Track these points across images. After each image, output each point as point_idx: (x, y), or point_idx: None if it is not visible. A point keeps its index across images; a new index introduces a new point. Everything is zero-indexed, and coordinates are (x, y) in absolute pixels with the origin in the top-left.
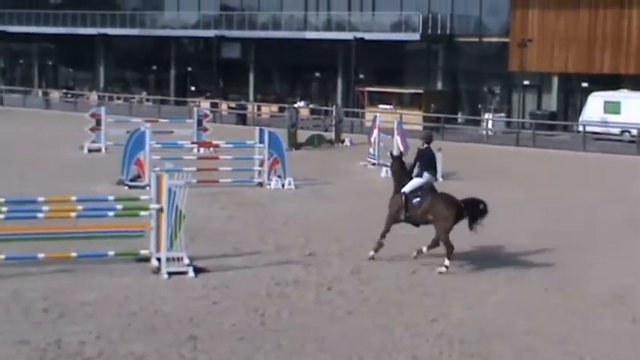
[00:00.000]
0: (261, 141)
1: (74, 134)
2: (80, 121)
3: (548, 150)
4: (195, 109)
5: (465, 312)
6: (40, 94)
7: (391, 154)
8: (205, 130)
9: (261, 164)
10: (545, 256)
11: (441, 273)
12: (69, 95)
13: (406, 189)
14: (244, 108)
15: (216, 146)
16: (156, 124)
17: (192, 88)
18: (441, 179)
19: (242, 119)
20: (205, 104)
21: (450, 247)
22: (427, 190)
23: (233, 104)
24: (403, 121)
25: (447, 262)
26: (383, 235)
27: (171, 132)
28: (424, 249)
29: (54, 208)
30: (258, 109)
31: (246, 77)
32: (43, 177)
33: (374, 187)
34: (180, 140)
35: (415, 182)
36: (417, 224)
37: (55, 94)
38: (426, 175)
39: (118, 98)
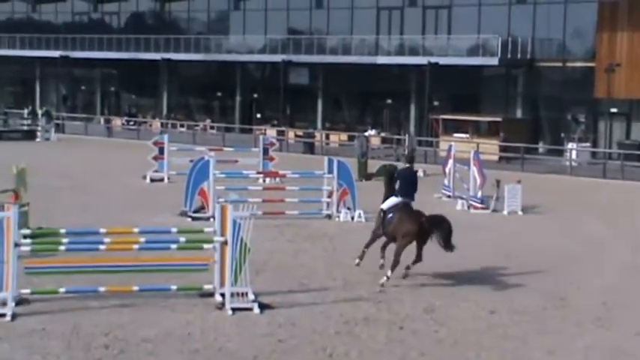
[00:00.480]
0: (330, 171)
1: (136, 163)
2: (143, 150)
3: (637, 182)
4: (260, 137)
5: (548, 357)
6: (102, 121)
7: (384, 166)
8: (271, 159)
9: (330, 195)
10: (637, 296)
11: (382, 285)
12: (131, 122)
13: (384, 206)
14: (312, 136)
15: (283, 176)
16: (220, 153)
17: (258, 116)
18: (520, 212)
19: (310, 148)
20: (271, 132)
21: (396, 263)
22: (400, 207)
23: (300, 132)
24: (480, 150)
25: (389, 272)
26: (367, 246)
27: (236, 161)
28: (410, 265)
29: (116, 239)
30: (327, 137)
31: (315, 104)
32: (104, 207)
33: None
34: (245, 170)
35: (391, 200)
36: (393, 240)
37: (117, 122)
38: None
39: (182, 126)
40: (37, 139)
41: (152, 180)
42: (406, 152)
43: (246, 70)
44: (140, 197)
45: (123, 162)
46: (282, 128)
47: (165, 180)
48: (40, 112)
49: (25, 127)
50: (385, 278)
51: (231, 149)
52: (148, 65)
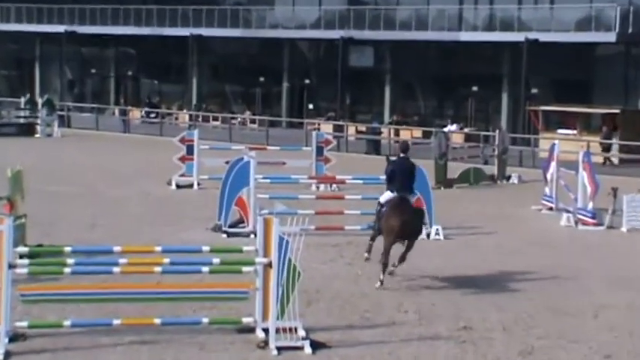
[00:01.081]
0: None
1: (159, 165)
2: (167, 148)
3: None
4: (313, 133)
5: None
6: (116, 112)
7: (387, 157)
8: (327, 161)
9: None
10: None
11: (377, 288)
12: (153, 115)
13: (382, 199)
14: (378, 132)
15: (341, 182)
16: (263, 153)
17: (310, 107)
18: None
19: (375, 147)
20: (327, 127)
21: (383, 263)
22: (393, 202)
23: (363, 127)
24: (591, 151)
25: (381, 276)
26: (372, 238)
27: (283, 163)
28: (396, 263)
29: (133, 260)
30: (396, 133)
31: (381, 92)
32: (119, 220)
33: (550, 240)
34: (294, 174)
35: (388, 194)
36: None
37: (135, 113)
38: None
39: (215, 119)
40: (37, 135)
41: (178, 186)
42: (496, 152)
43: (295, 50)
44: (163, 207)
45: (142, 163)
46: (341, 122)
47: (195, 186)
48: (40, 101)
49: (22, 120)
50: (379, 283)
51: (276, 148)
52: (175, 43)
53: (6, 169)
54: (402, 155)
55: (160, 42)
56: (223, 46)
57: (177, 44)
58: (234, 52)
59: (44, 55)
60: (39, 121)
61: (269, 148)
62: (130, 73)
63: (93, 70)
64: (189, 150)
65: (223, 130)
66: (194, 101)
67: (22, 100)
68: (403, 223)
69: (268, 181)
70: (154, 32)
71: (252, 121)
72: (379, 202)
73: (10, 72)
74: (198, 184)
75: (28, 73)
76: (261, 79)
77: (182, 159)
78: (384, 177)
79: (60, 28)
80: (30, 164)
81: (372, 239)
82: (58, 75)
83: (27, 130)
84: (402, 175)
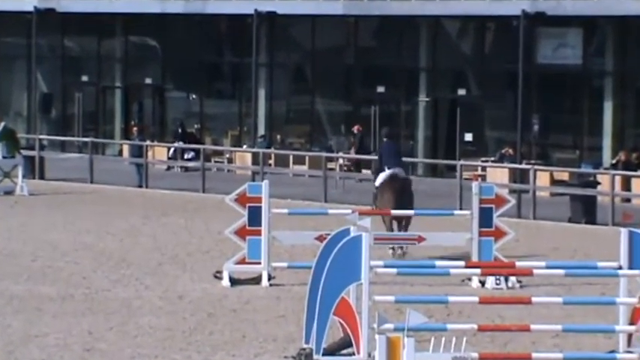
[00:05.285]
0: (635, 260)
1: (200, 244)
2: (214, 214)
3: None
4: (474, 185)
5: None
6: (125, 151)
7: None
8: (499, 234)
9: (637, 319)
10: None
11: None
12: (189, 155)
13: (377, 183)
14: (592, 184)
15: (526, 273)
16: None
17: (469, 137)
18: None
19: (587, 209)
20: (499, 174)
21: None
22: (386, 180)
23: (565, 174)
24: None
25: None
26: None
27: (420, 239)
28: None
29: None
30: (625, 184)
31: (596, 109)
32: (131, 342)
33: None
34: (440, 258)
35: (381, 176)
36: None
37: (159, 153)
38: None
39: (299, 161)
40: None
41: (234, 281)
42: None
43: (441, 37)
44: (208, 321)
45: (170, 241)
46: (523, 165)
47: (264, 281)
48: None
49: None
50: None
51: (408, 212)
52: (227, 28)
53: None
54: (385, 140)
55: (202, 26)
56: (312, 31)
57: (232, 29)
58: (331, 43)
59: (1, 50)
60: None
61: (395, 211)
62: (149, 81)
63: (84, 78)
64: (254, 217)
65: (312, 180)
66: (261, 131)
67: None
68: (396, 192)
69: (394, 271)
70: (190, 9)
71: (365, 165)
72: (375, 187)
73: None
74: (270, 277)
75: None
76: (380, 89)
77: (241, 232)
78: (601, 263)
79: (27, 4)
80: None
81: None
82: (24, 85)
83: None
84: (388, 154)
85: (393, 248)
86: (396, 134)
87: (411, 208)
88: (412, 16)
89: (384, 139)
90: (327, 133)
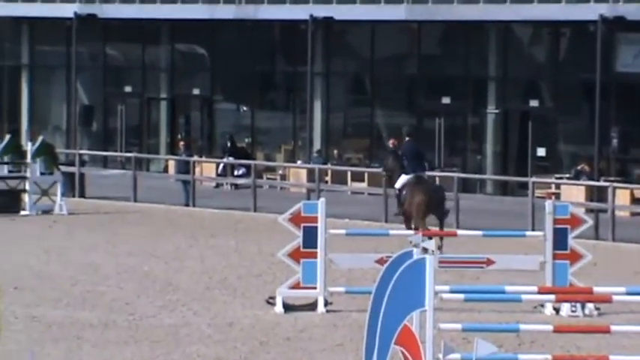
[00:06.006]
0: None
1: (251, 267)
2: (266, 234)
3: None
4: (547, 204)
5: None
6: (171, 167)
7: (390, 149)
8: (575, 257)
9: None
10: None
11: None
12: (239, 171)
13: (397, 185)
14: None
15: (604, 300)
16: (450, 242)
17: (541, 152)
18: None
19: None
20: (574, 193)
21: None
22: (411, 182)
23: None
24: None
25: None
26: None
27: (489, 262)
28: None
29: None
30: None
31: None
32: None
33: None
34: (510, 283)
35: (403, 178)
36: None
37: (207, 169)
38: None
39: (357, 177)
40: (24, 212)
41: (288, 307)
42: None
43: (512, 42)
44: (261, 349)
45: (219, 264)
46: (601, 182)
47: (321, 307)
48: (29, 147)
49: None
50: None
51: (475, 233)
52: (281, 35)
53: None
54: (407, 138)
55: (254, 32)
56: (371, 38)
57: (286, 36)
58: (393, 51)
59: (38, 59)
60: (27, 186)
61: (461, 232)
62: (196, 92)
63: (127, 88)
64: (309, 238)
65: (372, 198)
66: (317, 145)
67: None
68: (429, 195)
69: (461, 296)
70: (241, 14)
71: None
72: (396, 188)
73: None
74: (327, 303)
75: (9, 94)
76: (445, 100)
77: (295, 255)
78: None
79: (67, 10)
80: (11, 268)
81: (416, 229)
82: (64, 96)
83: (6, 203)
84: (412, 157)
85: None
86: (416, 133)
87: (445, 207)
88: (480, 22)
89: (406, 138)
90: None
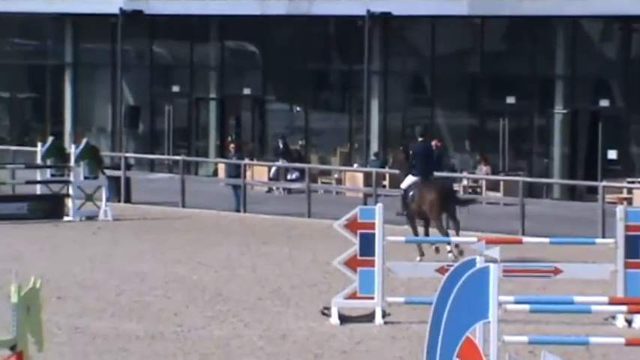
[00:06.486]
0: None
1: (305, 276)
2: (321, 241)
3: None
4: (618, 209)
5: None
6: (221, 170)
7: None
8: None
9: None
10: None
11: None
12: (292, 175)
13: (403, 185)
14: None
15: None
16: (515, 250)
17: (612, 155)
18: None
19: None
20: None
21: (442, 233)
22: (418, 182)
23: None
24: None
25: (448, 247)
26: (415, 232)
27: (556, 271)
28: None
29: None
30: None
31: None
32: None
33: None
34: (579, 294)
35: (409, 179)
36: (421, 219)
37: (259, 172)
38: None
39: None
40: (68, 217)
41: (344, 318)
42: None
43: (580, 37)
44: None
45: (271, 273)
46: None
47: (378, 318)
48: (73, 149)
49: (40, 189)
50: (450, 254)
51: (541, 240)
52: (335, 31)
53: (9, 285)
54: (420, 139)
55: (307, 29)
56: (431, 34)
57: (341, 32)
58: (454, 48)
59: (82, 57)
60: (71, 191)
61: (527, 240)
62: (247, 91)
63: (175, 88)
64: (366, 245)
65: None
66: (374, 147)
67: (40, 148)
68: (440, 192)
69: (527, 308)
70: (294, 10)
71: (492, 186)
72: (402, 189)
73: (18, 93)
74: (385, 314)
75: (51, 94)
76: (510, 100)
77: (352, 263)
78: None
79: (112, 5)
80: (54, 276)
81: (416, 234)
82: (108, 97)
83: (49, 208)
84: (421, 159)
85: (437, 249)
86: (429, 133)
87: (459, 203)
88: (547, 17)
89: (419, 139)
90: (448, 151)
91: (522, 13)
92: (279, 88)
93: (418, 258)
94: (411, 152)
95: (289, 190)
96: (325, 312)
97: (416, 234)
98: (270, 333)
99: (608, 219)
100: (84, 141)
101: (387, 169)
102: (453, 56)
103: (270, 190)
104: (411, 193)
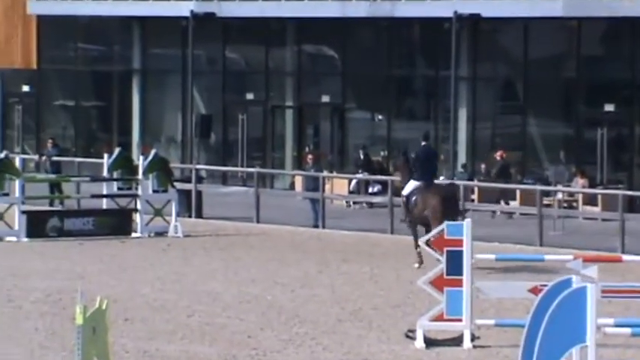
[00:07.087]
0: None
1: (387, 296)
2: (405, 260)
3: None
4: None
5: None
6: (298, 184)
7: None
8: None
9: None
10: None
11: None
12: (374, 188)
13: (404, 192)
14: None
15: None
16: (616, 270)
17: None
18: None
19: None
20: None
21: None
22: (421, 187)
23: None
24: None
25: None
26: (416, 246)
27: None
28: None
29: None
30: None
31: None
32: None
33: None
34: None
35: (411, 184)
36: (423, 225)
37: (339, 186)
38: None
39: (506, 195)
40: (136, 234)
41: (430, 342)
42: None
43: None
44: None
45: (351, 293)
46: None
47: (467, 342)
48: (141, 161)
49: (106, 204)
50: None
51: None
52: (421, 32)
53: (74, 306)
54: (423, 143)
55: (390, 32)
56: (524, 37)
57: (426, 35)
58: (548, 52)
59: (151, 63)
60: (139, 205)
61: (627, 257)
62: (326, 99)
63: (249, 96)
64: (454, 264)
65: (525, 218)
66: (462, 159)
67: (106, 160)
68: (443, 198)
69: (628, 331)
70: (376, 12)
71: (589, 200)
72: (404, 195)
73: (83, 101)
74: (474, 338)
75: (118, 103)
76: (609, 107)
77: (438, 283)
78: None
79: (182, 8)
80: (121, 296)
81: (417, 246)
82: (179, 105)
83: (115, 223)
84: (423, 164)
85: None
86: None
87: (459, 211)
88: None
89: (422, 143)
90: (542, 162)
91: (622, 13)
92: (360, 95)
93: (416, 265)
94: (413, 156)
95: (371, 205)
96: (410, 335)
97: (416, 241)
98: (351, 357)
99: None
100: (152, 152)
101: (475, 182)
102: (547, 61)
103: (350, 204)
104: (413, 199)
